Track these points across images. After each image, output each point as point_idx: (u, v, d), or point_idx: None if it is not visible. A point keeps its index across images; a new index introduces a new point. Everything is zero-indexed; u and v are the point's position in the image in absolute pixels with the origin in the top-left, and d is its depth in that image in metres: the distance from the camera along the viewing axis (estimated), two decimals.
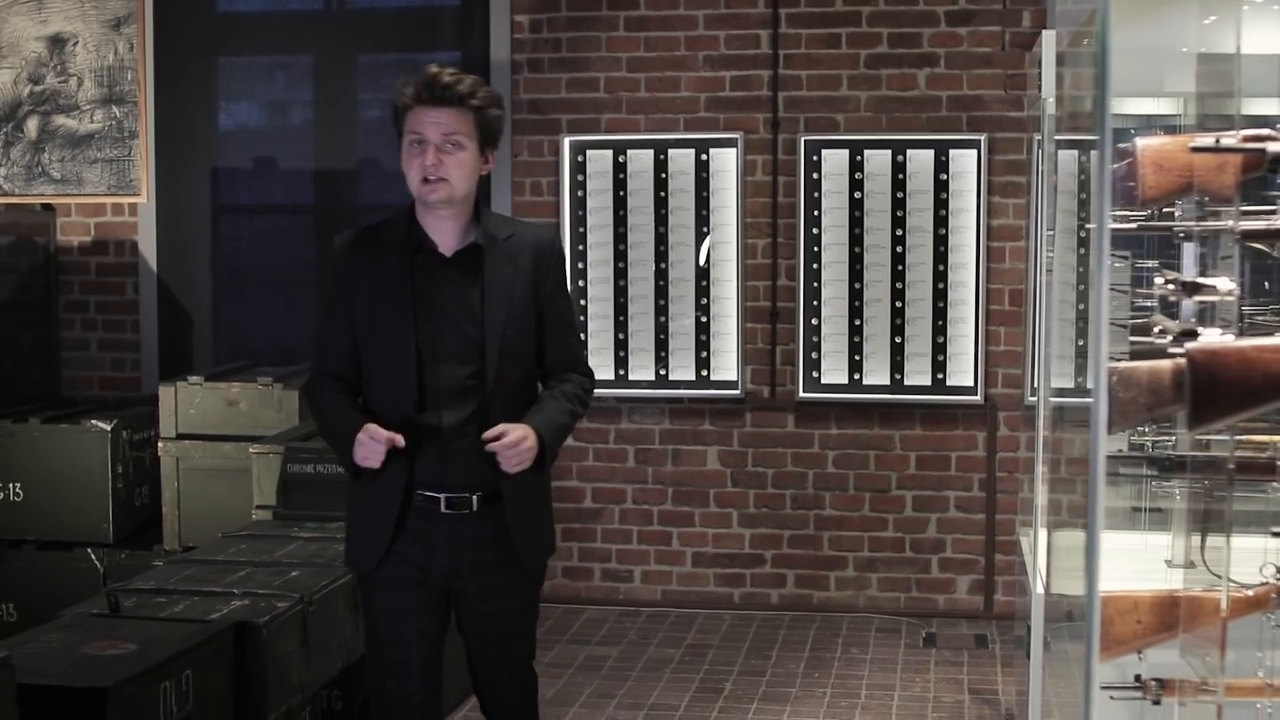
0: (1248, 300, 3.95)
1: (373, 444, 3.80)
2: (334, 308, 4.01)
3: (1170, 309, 3.71)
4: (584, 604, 7.71)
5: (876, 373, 7.49)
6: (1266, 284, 3.95)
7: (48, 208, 7.96)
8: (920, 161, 7.42)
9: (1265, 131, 2.82)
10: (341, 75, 8.15)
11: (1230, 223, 2.91)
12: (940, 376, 7.45)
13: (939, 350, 7.43)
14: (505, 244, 3.98)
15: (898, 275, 7.44)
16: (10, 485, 6.86)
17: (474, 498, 3.90)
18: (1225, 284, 2.90)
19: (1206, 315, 3.44)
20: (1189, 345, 2.68)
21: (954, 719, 6.11)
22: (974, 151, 7.37)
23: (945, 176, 7.40)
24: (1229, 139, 2.76)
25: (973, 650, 7.03)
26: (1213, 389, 2.64)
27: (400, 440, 3.80)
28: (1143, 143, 3.11)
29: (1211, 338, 2.81)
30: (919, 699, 6.36)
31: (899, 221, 7.44)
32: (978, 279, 7.38)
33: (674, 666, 6.78)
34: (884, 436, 7.57)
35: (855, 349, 7.49)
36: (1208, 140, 2.71)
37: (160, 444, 6.83)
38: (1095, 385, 2.73)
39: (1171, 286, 3.02)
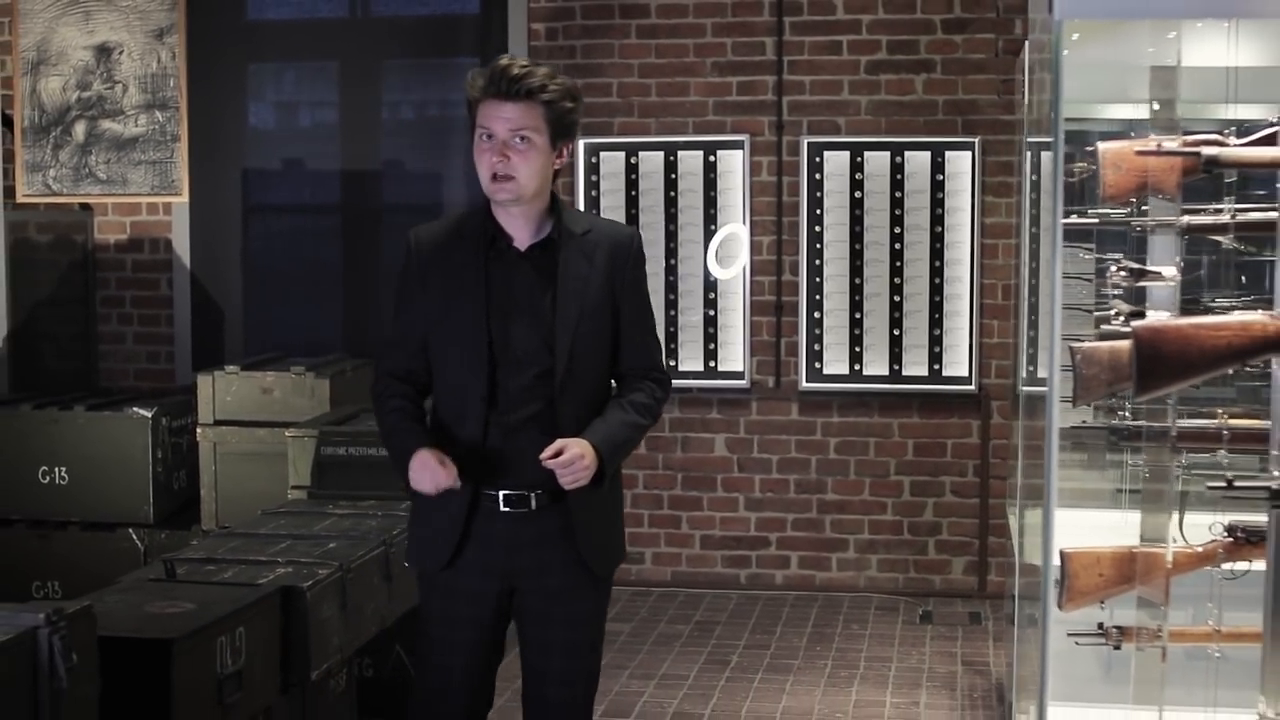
0: (1226, 290, 4.31)
1: (427, 473, 3.75)
2: (408, 302, 3.93)
3: (1142, 296, 4.08)
4: None
5: (876, 364, 7.85)
6: (1244, 277, 4.31)
7: (85, 207, 8.34)
8: (918, 163, 7.77)
9: (1204, 137, 3.20)
10: (366, 80, 8.50)
11: (1173, 217, 3.28)
12: (937, 367, 7.80)
13: (935, 342, 7.78)
14: (581, 240, 3.87)
15: (896, 271, 7.79)
16: (56, 469, 7.19)
17: (532, 496, 3.79)
18: (1170, 271, 3.27)
19: (1171, 301, 3.82)
20: (1135, 324, 3.05)
21: (947, 688, 6.46)
22: (969, 153, 7.71)
23: (941, 177, 7.74)
24: (1170, 144, 3.13)
25: (966, 626, 7.38)
26: (1155, 362, 3.00)
27: (457, 484, 3.75)
28: (1103, 147, 3.47)
29: (1156, 317, 3.18)
30: (914, 670, 6.71)
31: (897, 220, 7.78)
32: (972, 274, 7.72)
33: (683, 641, 7.13)
34: (883, 424, 7.91)
35: (856, 341, 7.84)
36: (1151, 145, 3.08)
37: (199, 430, 7.18)
38: (1050, 365, 3.10)
39: (1123, 274, 3.39)
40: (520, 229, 3.84)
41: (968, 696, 6.35)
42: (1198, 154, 2.96)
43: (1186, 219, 3.59)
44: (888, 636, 7.23)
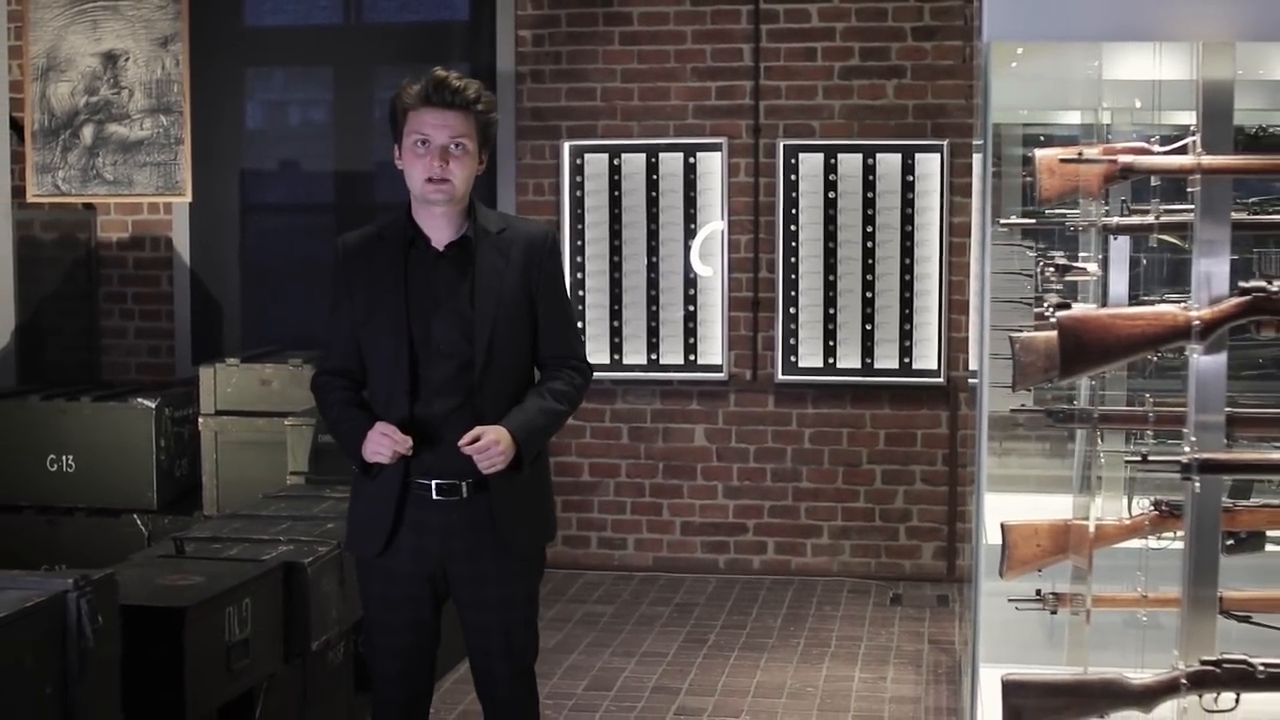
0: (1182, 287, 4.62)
1: (384, 440, 3.89)
2: (337, 306, 4.10)
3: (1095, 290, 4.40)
4: (582, 569, 8.34)
5: (849, 357, 8.15)
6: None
7: (89, 207, 8.64)
8: (889, 164, 8.06)
9: (1125, 145, 3.53)
10: (359, 84, 8.79)
11: (1098, 219, 3.61)
12: (907, 360, 8.10)
13: (905, 336, 8.08)
14: (497, 238, 4.03)
15: (868, 268, 8.09)
16: (64, 457, 7.47)
17: (463, 485, 3.97)
18: (1093, 268, 3.60)
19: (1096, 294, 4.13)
20: (1059, 314, 3.38)
21: (913, 664, 6.77)
22: (937, 155, 8.01)
23: (911, 178, 8.04)
24: (1091, 152, 3.46)
25: (934, 608, 7.68)
26: (1078, 348, 3.34)
27: (409, 447, 3.90)
28: (1039, 154, 3.78)
29: (1079, 308, 3.52)
30: (883, 648, 7.02)
31: (869, 219, 8.08)
32: (941, 271, 8.02)
33: (663, 622, 7.42)
34: (855, 415, 8.21)
35: (829, 335, 8.14)
36: (1073, 153, 3.41)
37: (200, 419, 7.50)
38: (980, 355, 3.43)
39: (1050, 270, 3.72)
40: (439, 230, 4.03)
41: (932, 672, 6.65)
42: (1114, 161, 3.29)
43: (1117, 219, 3.93)
44: (859, 617, 7.53)
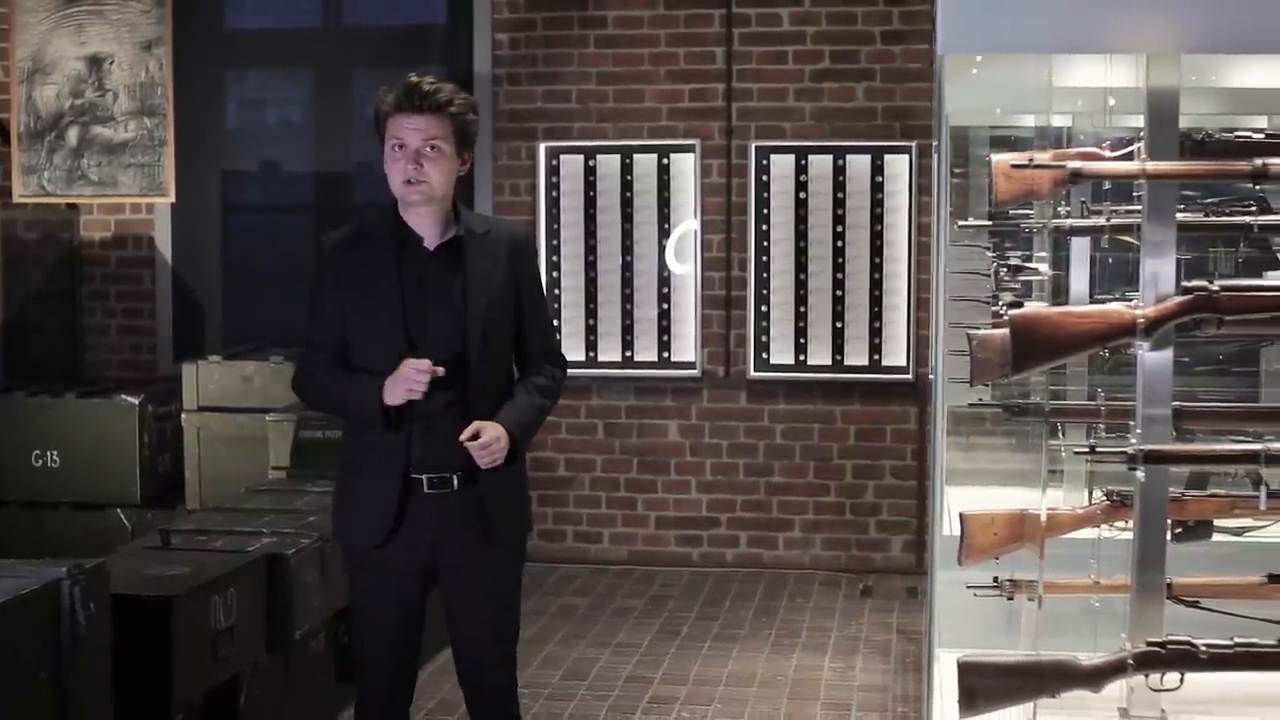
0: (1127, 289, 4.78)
1: (416, 375, 3.95)
2: (323, 303, 4.16)
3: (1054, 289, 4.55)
4: (558, 562, 8.44)
5: (819, 354, 8.30)
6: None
7: (72, 207, 8.75)
8: (858, 166, 8.22)
9: (1076, 150, 3.69)
10: (338, 86, 8.92)
11: (1049, 221, 3.77)
12: (876, 357, 8.26)
13: (875, 334, 8.24)
14: (483, 238, 4.14)
15: (838, 267, 8.25)
16: (48, 453, 7.61)
17: (454, 477, 4.06)
18: (1044, 268, 3.76)
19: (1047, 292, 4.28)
20: (1011, 312, 3.54)
21: (881, 654, 6.93)
22: (906, 157, 8.17)
23: (880, 179, 8.20)
24: (1042, 157, 3.62)
25: (904, 600, 7.84)
26: (1029, 345, 3.50)
27: (441, 370, 3.96)
28: (995, 158, 3.93)
29: (1031, 307, 3.68)
30: (853, 638, 7.17)
31: (839, 219, 8.24)
32: (909, 270, 8.18)
33: (638, 614, 7.56)
34: (826, 411, 8.36)
35: (800, 333, 8.29)
36: (1024, 158, 3.57)
37: (183, 416, 7.64)
38: (935, 352, 3.59)
39: (1005, 270, 3.89)
40: (428, 229, 4.13)
41: (900, 661, 6.81)
42: (1063, 167, 3.45)
43: (1070, 221, 4.09)
44: (829, 609, 7.67)
